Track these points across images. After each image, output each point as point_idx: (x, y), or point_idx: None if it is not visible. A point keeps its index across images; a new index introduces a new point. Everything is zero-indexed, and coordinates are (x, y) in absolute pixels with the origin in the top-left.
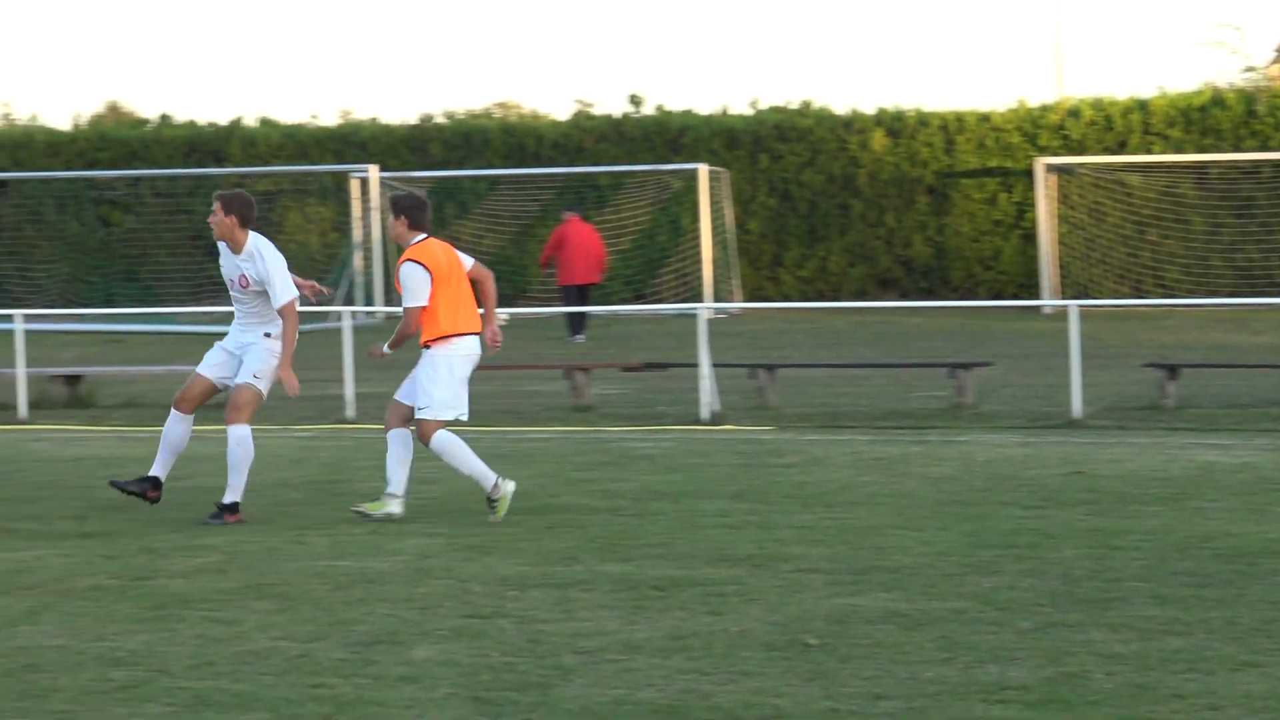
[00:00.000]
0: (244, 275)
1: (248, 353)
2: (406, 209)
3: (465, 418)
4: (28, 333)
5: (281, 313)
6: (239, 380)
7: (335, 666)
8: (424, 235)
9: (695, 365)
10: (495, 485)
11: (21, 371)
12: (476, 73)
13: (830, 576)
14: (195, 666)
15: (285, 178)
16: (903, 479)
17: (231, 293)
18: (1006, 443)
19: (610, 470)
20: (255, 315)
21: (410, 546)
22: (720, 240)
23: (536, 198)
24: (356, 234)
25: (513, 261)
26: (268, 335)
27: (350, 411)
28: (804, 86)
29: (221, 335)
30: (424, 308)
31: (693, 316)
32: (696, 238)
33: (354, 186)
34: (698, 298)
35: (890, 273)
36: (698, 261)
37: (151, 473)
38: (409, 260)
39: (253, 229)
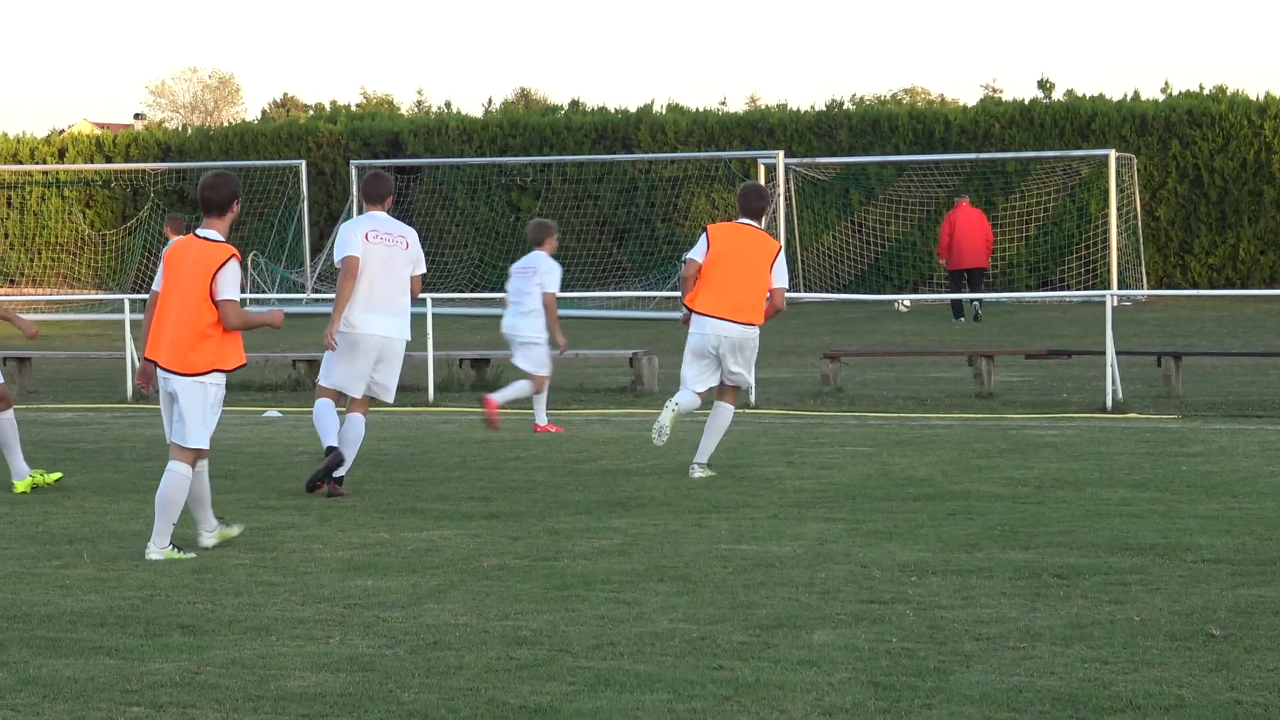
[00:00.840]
0: None
1: None
2: (739, 194)
3: (695, 390)
4: (436, 316)
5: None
6: None
7: (735, 649)
8: (747, 221)
9: (1100, 353)
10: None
11: (431, 354)
12: (884, 59)
13: (1235, 567)
14: (597, 646)
15: (692, 164)
16: None
17: None
18: None
19: (1012, 457)
20: None
21: (810, 531)
22: (1128, 227)
23: (943, 184)
24: None
25: (917, 248)
26: None
27: (751, 397)
28: (1217, 71)
29: (630, 321)
30: (697, 265)
31: (1097, 304)
32: (1104, 224)
33: (760, 172)
34: (1104, 285)
35: None
36: (1104, 248)
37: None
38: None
39: (377, 207)
